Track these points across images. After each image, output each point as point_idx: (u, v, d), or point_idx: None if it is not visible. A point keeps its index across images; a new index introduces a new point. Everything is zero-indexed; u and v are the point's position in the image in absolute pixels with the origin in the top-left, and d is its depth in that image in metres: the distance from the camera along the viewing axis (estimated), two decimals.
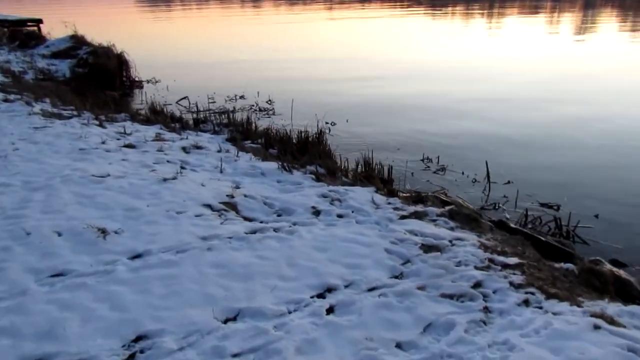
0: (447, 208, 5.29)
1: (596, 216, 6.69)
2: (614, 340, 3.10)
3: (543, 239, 5.30)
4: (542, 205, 7.09)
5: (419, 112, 12.23)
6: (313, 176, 5.93)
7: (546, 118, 11.78)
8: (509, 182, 7.90)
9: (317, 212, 4.90)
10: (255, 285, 3.50)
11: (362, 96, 13.57)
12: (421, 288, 3.64)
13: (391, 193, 5.59)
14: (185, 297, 3.31)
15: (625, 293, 4.46)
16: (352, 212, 4.92)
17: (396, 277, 3.79)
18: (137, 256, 3.83)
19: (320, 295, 3.49)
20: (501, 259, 4.25)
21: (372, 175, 6.24)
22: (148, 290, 3.35)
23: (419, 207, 5.25)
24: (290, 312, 3.26)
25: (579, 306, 3.66)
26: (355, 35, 28.67)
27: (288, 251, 4.00)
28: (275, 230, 4.41)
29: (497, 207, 6.92)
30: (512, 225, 5.59)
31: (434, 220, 5.00)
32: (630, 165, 8.81)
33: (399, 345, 3.04)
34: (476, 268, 4.01)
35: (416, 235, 4.51)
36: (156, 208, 4.64)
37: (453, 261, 4.07)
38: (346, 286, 3.61)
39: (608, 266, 4.84)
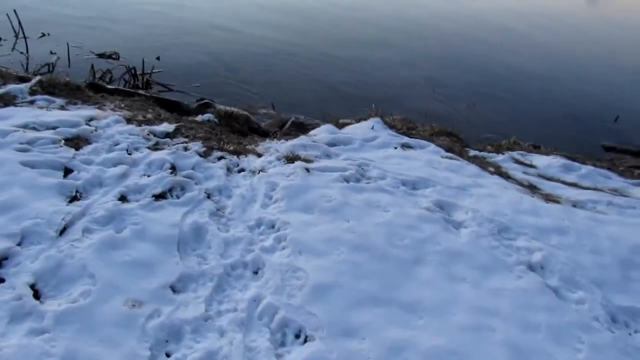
0: (33, 82, 3.75)
1: (157, 58, 6.35)
2: (339, 184, 3.13)
3: (153, 94, 4.62)
4: (100, 55, 6.11)
5: None
6: None
7: None
8: (44, 34, 6.29)
9: None
10: None
11: None
12: (123, 199, 2.56)
13: None
14: None
15: (253, 128, 4.55)
16: None
17: (76, 198, 2.50)
18: None
19: None
20: (157, 129, 3.45)
21: None
22: None
23: None
24: None
25: (261, 155, 3.47)
26: None
27: None
28: None
29: (51, 69, 5.51)
30: (109, 87, 4.57)
31: (31, 102, 3.47)
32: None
33: (174, 289, 2.10)
34: (150, 149, 3.11)
35: (38, 129, 3.04)
36: None
37: (120, 149, 3.01)
38: (20, 244, 2.13)
39: (220, 106, 4.73)
